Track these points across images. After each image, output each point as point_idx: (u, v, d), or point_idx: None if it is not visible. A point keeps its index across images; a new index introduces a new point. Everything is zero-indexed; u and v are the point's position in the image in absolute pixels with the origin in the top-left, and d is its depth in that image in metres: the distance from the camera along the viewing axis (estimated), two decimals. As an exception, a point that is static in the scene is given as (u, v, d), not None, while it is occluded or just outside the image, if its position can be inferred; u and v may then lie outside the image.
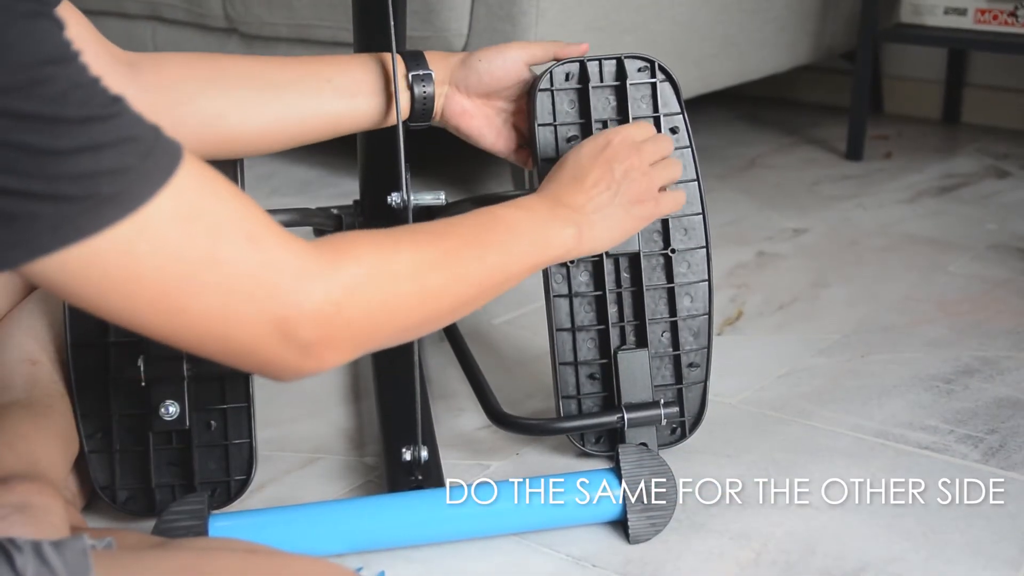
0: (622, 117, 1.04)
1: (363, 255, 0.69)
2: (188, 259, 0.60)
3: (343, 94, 0.96)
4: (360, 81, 0.97)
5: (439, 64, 1.00)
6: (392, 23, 0.98)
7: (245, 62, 0.94)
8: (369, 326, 0.69)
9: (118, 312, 0.61)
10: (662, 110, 1.04)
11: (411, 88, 0.98)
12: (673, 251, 1.05)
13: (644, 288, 1.04)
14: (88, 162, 0.55)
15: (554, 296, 1.04)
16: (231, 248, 0.61)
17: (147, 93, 0.88)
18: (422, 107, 0.99)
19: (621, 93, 1.04)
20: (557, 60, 1.02)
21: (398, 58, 0.99)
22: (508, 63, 1.00)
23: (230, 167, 0.97)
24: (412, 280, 0.72)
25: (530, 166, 1.05)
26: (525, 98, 1.03)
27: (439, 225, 0.79)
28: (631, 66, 1.04)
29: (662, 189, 0.94)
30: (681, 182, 1.04)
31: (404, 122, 0.99)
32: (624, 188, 0.90)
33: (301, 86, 0.95)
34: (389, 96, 0.98)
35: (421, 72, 0.98)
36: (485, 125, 1.04)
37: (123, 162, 0.56)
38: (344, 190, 1.98)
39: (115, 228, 0.57)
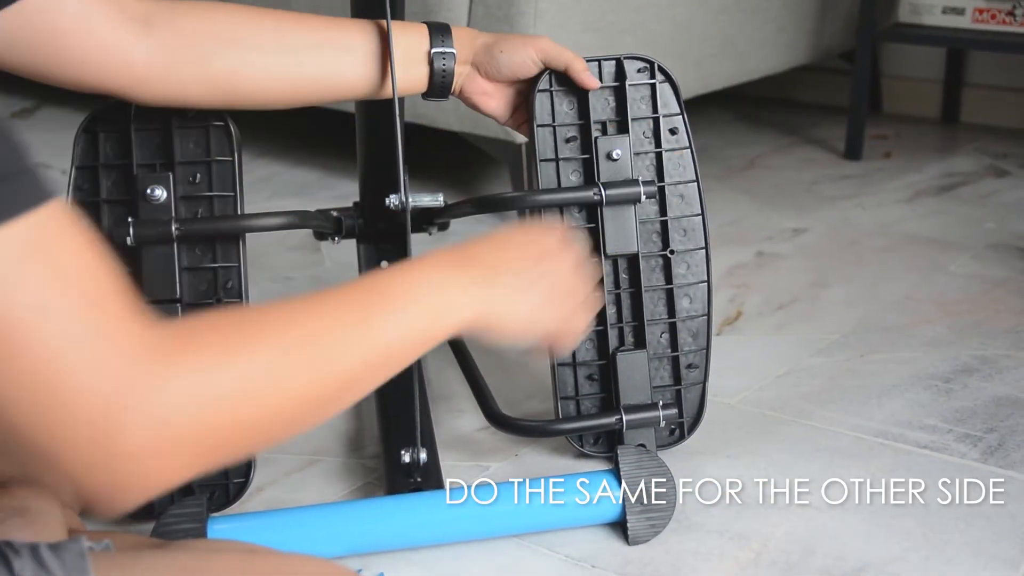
0: (621, 118, 1.04)
1: (203, 354, 0.56)
2: (15, 296, 0.51)
3: (361, 63, 0.96)
4: (379, 54, 0.97)
5: (465, 42, 1.01)
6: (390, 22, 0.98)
7: (266, 20, 0.93)
8: (211, 435, 0.56)
9: None
10: (661, 111, 1.04)
11: (431, 63, 0.99)
12: (672, 252, 1.05)
13: (643, 289, 1.04)
14: None
15: (553, 297, 1.03)
16: (66, 303, 0.52)
17: (160, 52, 0.88)
18: (441, 82, 1.00)
19: (620, 94, 1.04)
20: (566, 72, 1.02)
21: (423, 29, 0.99)
22: (527, 61, 1.01)
23: (228, 168, 0.97)
24: (260, 383, 0.58)
25: None
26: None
27: (311, 305, 0.64)
28: (630, 67, 1.04)
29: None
30: (680, 183, 1.04)
31: (423, 95, 1.01)
32: (544, 272, 0.79)
33: (320, 52, 0.94)
34: (406, 69, 0.98)
35: (443, 50, 0.99)
36: (503, 105, 1.05)
37: None
38: (343, 192, 1.97)
39: None
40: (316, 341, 0.62)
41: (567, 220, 1.03)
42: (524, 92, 1.04)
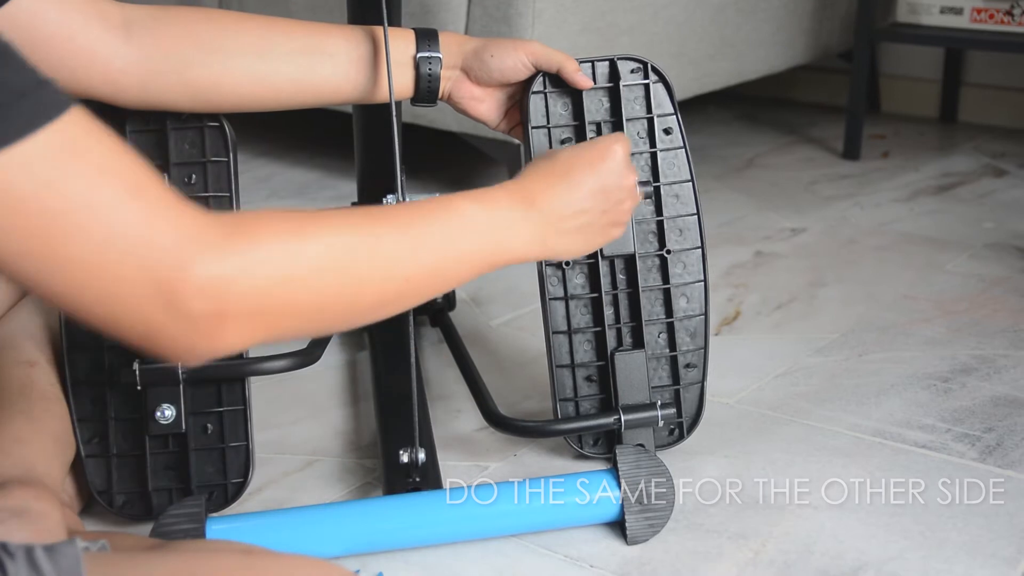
0: (615, 119, 1.04)
1: (266, 231, 0.63)
2: (61, 195, 0.56)
3: (345, 69, 0.96)
4: (365, 58, 0.97)
5: (452, 47, 1.00)
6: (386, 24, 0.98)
7: (249, 26, 0.93)
8: (269, 305, 0.62)
9: None
10: (655, 111, 1.04)
11: (417, 68, 0.99)
12: (668, 252, 1.05)
13: (640, 289, 1.04)
14: None
15: (550, 299, 1.04)
16: (110, 193, 0.57)
17: (141, 59, 0.88)
18: (427, 87, 1.00)
19: (614, 95, 1.04)
20: (558, 74, 1.02)
21: (409, 35, 0.99)
22: (518, 64, 1.01)
23: (223, 168, 0.97)
24: (321, 263, 0.65)
25: None
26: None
27: (376, 210, 0.73)
28: (624, 67, 1.04)
29: None
30: (675, 183, 1.05)
31: (411, 101, 1.01)
32: (611, 206, 0.87)
33: (301, 58, 0.94)
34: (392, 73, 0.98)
35: (429, 55, 0.99)
36: (493, 109, 1.05)
37: None
38: (342, 192, 1.98)
39: None
40: (379, 240, 0.69)
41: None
42: (514, 96, 1.04)
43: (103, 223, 0.57)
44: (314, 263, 0.65)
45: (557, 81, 1.03)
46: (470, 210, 0.77)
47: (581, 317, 1.04)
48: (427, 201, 0.76)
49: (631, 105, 1.04)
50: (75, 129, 0.57)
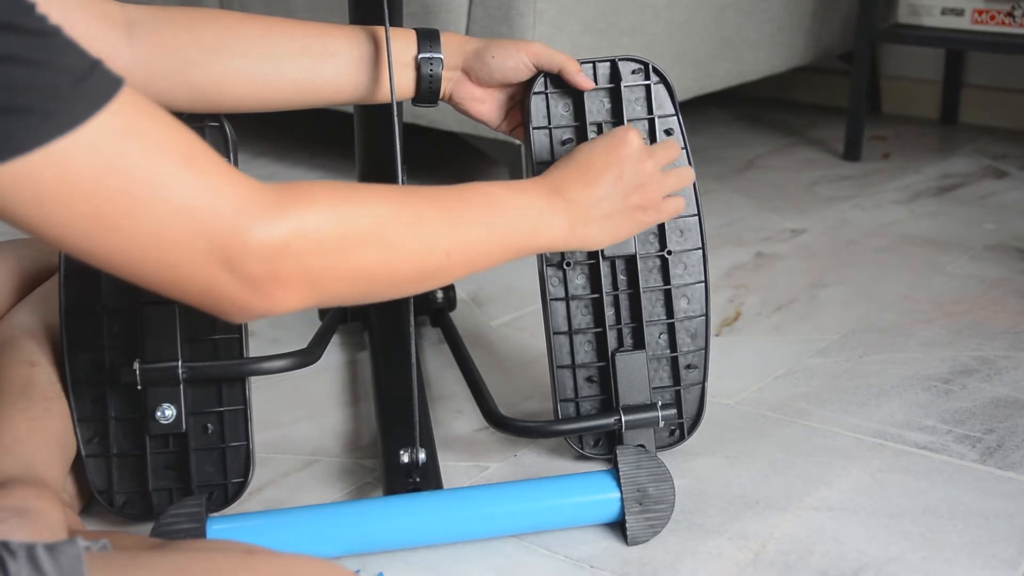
0: (616, 120, 1.04)
1: (319, 198, 0.68)
2: (123, 172, 0.59)
3: (346, 70, 0.96)
4: (366, 59, 0.97)
5: (453, 48, 1.00)
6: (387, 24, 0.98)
7: (251, 27, 0.93)
8: (322, 268, 0.67)
9: (57, 230, 0.60)
10: (656, 112, 1.04)
11: (418, 68, 0.99)
12: (669, 253, 1.05)
13: (641, 290, 1.04)
14: (20, 74, 0.56)
15: (551, 300, 1.04)
16: (168, 167, 0.61)
17: (142, 59, 0.88)
18: (428, 87, 1.00)
19: (615, 95, 1.04)
20: (560, 74, 1.02)
21: (411, 35, 0.99)
22: (520, 65, 1.01)
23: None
24: (371, 231, 0.70)
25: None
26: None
27: (417, 188, 0.77)
28: (625, 68, 1.04)
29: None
30: (676, 183, 1.05)
31: (412, 101, 1.01)
32: (633, 191, 0.90)
33: (302, 58, 0.94)
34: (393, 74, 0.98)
35: (430, 55, 0.99)
36: (494, 109, 1.05)
37: (56, 81, 0.57)
38: (342, 193, 1.97)
39: (52, 145, 0.57)
40: (421, 215, 0.74)
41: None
42: (515, 97, 1.04)
43: (164, 196, 0.61)
44: (362, 231, 0.69)
45: (558, 82, 1.03)
46: (504, 196, 0.82)
47: (582, 318, 1.04)
48: (462, 185, 0.80)
49: (632, 106, 1.04)
50: (129, 108, 0.60)
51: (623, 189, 0.90)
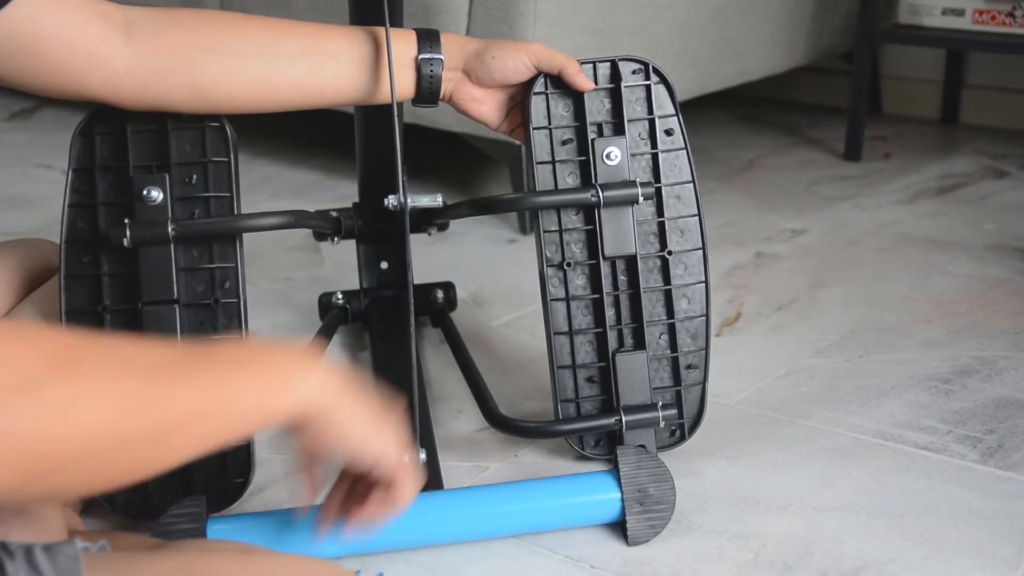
0: (617, 120, 1.04)
1: (27, 374, 0.49)
2: None
3: (347, 70, 0.96)
4: (366, 59, 0.97)
5: (454, 49, 1.01)
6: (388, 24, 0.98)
7: (251, 28, 0.93)
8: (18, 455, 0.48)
9: None
10: (656, 112, 1.04)
11: (418, 69, 0.99)
12: (670, 253, 1.05)
13: (641, 290, 1.04)
14: None
15: (551, 300, 1.04)
16: None
17: (142, 61, 0.88)
18: (428, 88, 1.00)
19: (616, 96, 1.04)
20: (560, 75, 1.02)
21: (411, 36, 0.99)
22: (520, 66, 1.01)
23: (224, 168, 0.97)
24: (80, 405, 0.50)
25: None
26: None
27: (136, 345, 0.56)
28: (625, 68, 1.04)
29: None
30: (676, 184, 1.05)
31: (412, 102, 1.01)
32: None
33: (303, 59, 0.94)
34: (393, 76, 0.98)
35: (430, 56, 0.99)
36: (494, 110, 1.05)
37: None
38: (344, 192, 1.98)
39: None
40: (135, 381, 0.53)
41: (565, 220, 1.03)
42: (515, 97, 1.05)
43: None
44: (54, 414, 0.49)
45: (558, 82, 1.03)
46: (258, 350, 0.62)
47: (582, 318, 1.04)
48: (212, 345, 0.61)
49: (632, 106, 1.04)
50: None
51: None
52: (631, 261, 1.04)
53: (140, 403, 0.53)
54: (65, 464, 0.51)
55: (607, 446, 1.06)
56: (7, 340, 0.50)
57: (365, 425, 0.68)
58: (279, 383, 0.62)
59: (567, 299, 1.04)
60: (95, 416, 0.51)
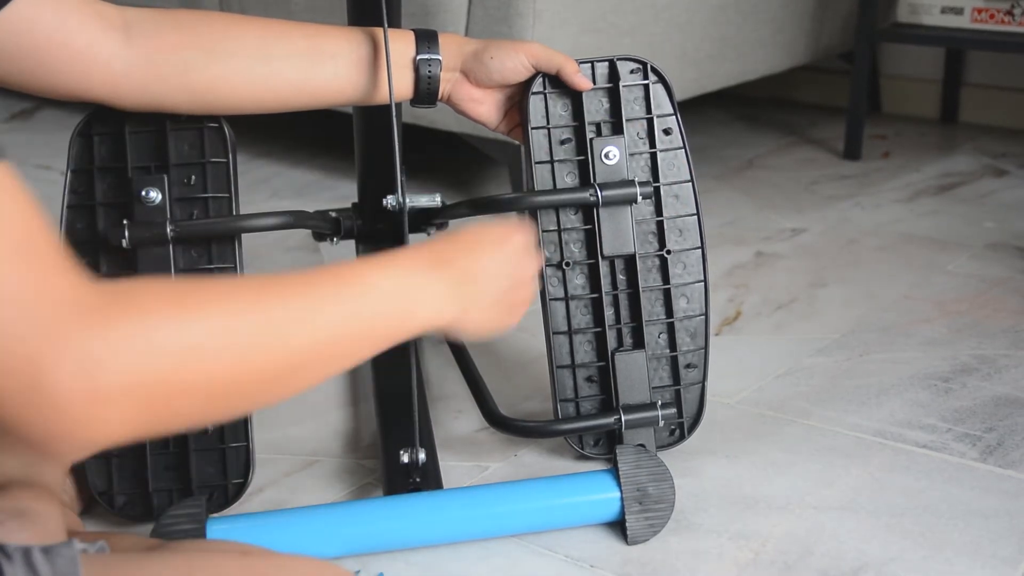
0: (615, 119, 1.04)
1: (148, 304, 0.55)
2: None
3: (345, 71, 0.96)
4: (365, 60, 0.97)
5: (452, 49, 1.00)
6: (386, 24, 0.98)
7: (250, 29, 0.93)
8: (154, 385, 0.54)
9: None
10: (655, 111, 1.04)
11: (416, 70, 0.99)
12: (669, 252, 1.05)
13: (640, 290, 1.04)
14: None
15: (550, 299, 1.04)
16: None
17: (140, 62, 0.88)
18: (426, 88, 1.00)
19: (614, 95, 1.04)
20: (558, 75, 1.02)
21: (409, 36, 0.99)
22: (518, 65, 1.01)
23: (222, 169, 0.97)
24: (210, 338, 0.57)
25: None
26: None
27: (262, 279, 0.63)
28: (623, 68, 1.04)
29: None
30: (675, 183, 1.05)
31: (411, 102, 1.01)
32: (516, 286, 0.81)
33: (302, 60, 0.94)
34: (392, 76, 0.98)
35: (429, 56, 0.99)
36: (493, 110, 1.05)
37: None
38: (343, 193, 1.98)
39: None
40: (269, 312, 0.60)
41: (563, 220, 1.03)
42: (513, 97, 1.04)
43: None
44: (200, 339, 0.56)
45: (557, 82, 1.03)
46: (371, 276, 0.69)
47: (581, 317, 1.04)
48: (325, 269, 0.68)
49: (631, 106, 1.04)
50: None
51: (505, 283, 0.79)
52: (630, 260, 1.04)
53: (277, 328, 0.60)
54: (230, 390, 0.58)
55: (606, 445, 1.06)
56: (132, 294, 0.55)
57: (485, 327, 0.78)
58: (398, 316, 0.69)
59: (566, 299, 1.04)
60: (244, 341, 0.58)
